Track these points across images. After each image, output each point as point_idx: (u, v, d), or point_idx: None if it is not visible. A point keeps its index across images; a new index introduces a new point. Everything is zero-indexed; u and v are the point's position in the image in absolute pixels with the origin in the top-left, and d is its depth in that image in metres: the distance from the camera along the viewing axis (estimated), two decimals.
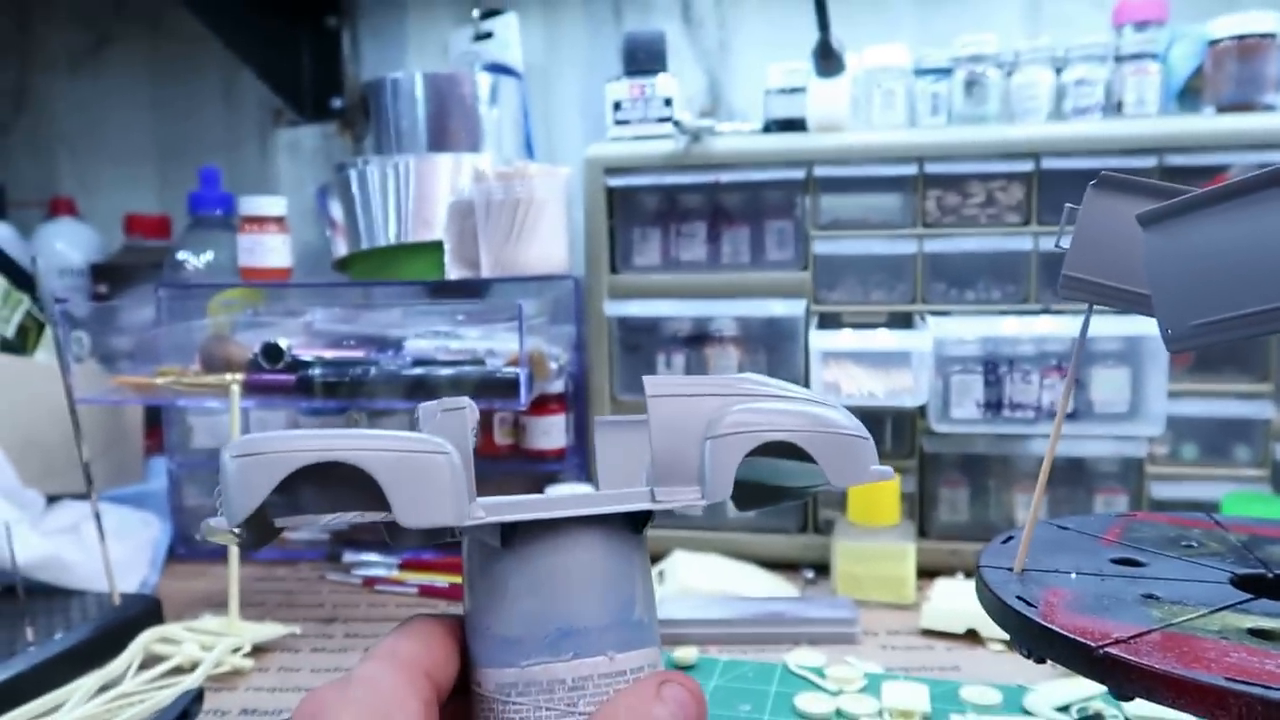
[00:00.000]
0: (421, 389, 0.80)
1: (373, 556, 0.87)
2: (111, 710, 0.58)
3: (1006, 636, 0.66)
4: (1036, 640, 0.37)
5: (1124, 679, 0.33)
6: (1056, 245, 0.43)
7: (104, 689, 0.61)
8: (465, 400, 0.32)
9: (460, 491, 0.29)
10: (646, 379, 0.31)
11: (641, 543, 0.32)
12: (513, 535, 0.30)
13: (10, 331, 0.95)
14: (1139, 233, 0.37)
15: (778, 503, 0.36)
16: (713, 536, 0.87)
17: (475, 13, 1.11)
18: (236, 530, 0.29)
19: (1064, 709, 0.57)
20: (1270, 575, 0.42)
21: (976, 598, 0.43)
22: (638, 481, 0.34)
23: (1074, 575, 0.42)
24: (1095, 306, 0.41)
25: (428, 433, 0.31)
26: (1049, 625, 0.36)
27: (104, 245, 1.25)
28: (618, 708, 0.28)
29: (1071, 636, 0.35)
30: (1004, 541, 0.48)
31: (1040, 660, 0.38)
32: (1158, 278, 0.36)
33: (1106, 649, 0.33)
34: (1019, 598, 0.39)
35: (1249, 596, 0.39)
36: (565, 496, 0.31)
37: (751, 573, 0.82)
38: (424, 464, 0.29)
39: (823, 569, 0.85)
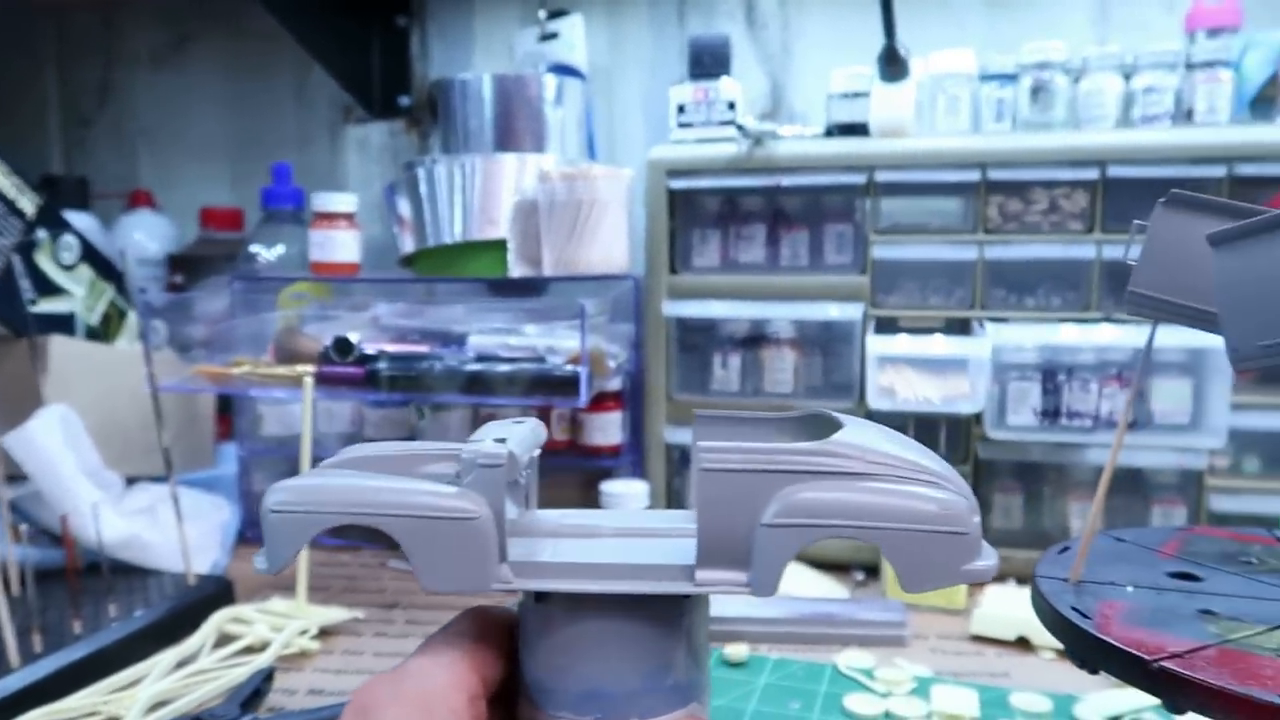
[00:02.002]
0: (483, 385, 0.82)
1: None
2: (189, 685, 0.61)
3: (1057, 644, 0.66)
4: (1091, 651, 0.37)
5: (1179, 693, 0.33)
6: (1124, 259, 0.43)
7: (180, 665, 0.64)
8: (504, 453, 0.29)
9: (486, 556, 0.28)
10: (701, 445, 0.28)
11: (690, 606, 0.30)
12: (545, 594, 0.29)
13: (95, 319, 0.99)
14: (1208, 251, 0.37)
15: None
16: None
17: (541, 13, 1.13)
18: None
19: (1114, 719, 0.57)
20: None
21: (1031, 607, 0.43)
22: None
23: (1130, 588, 0.43)
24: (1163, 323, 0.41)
25: (467, 484, 0.29)
26: (1104, 637, 0.36)
27: (180, 237, 1.30)
28: None
29: (1126, 649, 0.35)
30: (1060, 551, 0.49)
31: (1094, 671, 0.39)
32: (1227, 297, 0.36)
33: (1162, 663, 0.34)
34: (1074, 609, 0.40)
35: None
36: (603, 565, 0.29)
37: (802, 572, 0.83)
38: (447, 530, 0.28)
39: (873, 570, 0.85)
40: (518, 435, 0.32)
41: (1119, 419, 0.78)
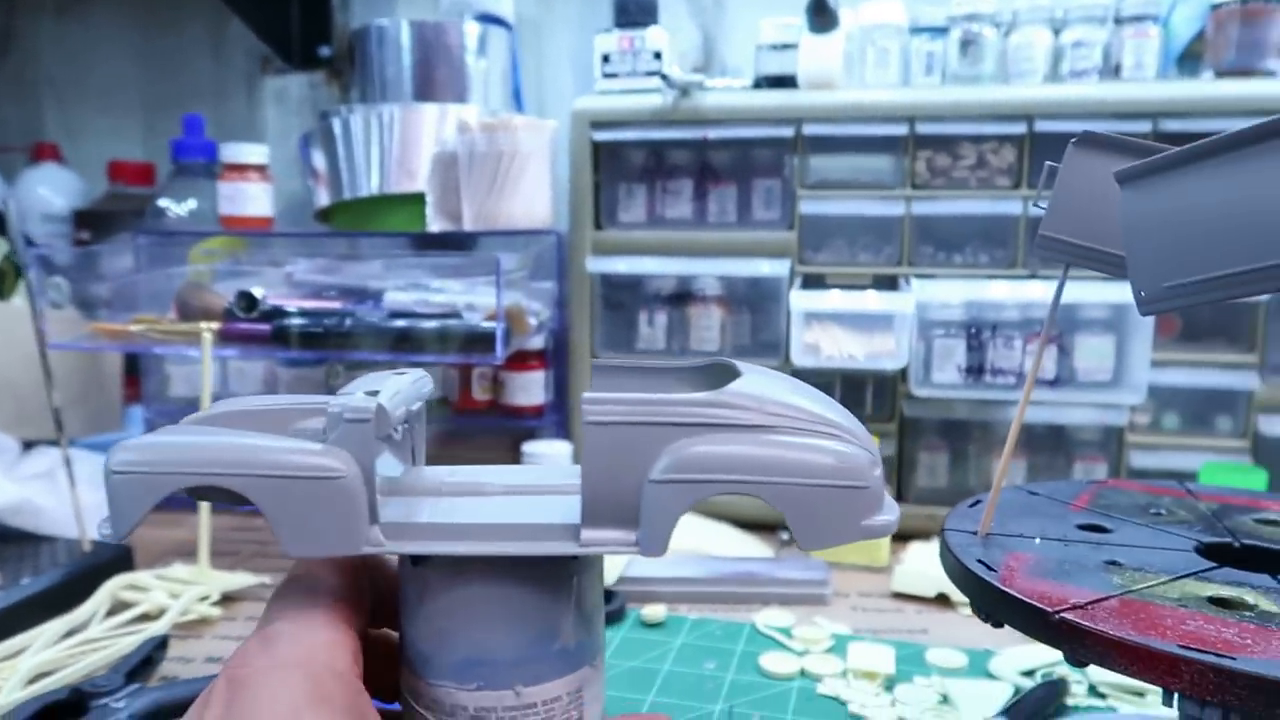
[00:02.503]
0: (402, 341, 0.79)
1: None
2: (76, 655, 0.57)
3: None
4: (995, 604, 0.36)
5: (1079, 645, 0.32)
6: (1035, 204, 0.42)
7: (70, 634, 0.61)
8: (371, 406, 0.27)
9: (354, 517, 0.26)
10: (585, 396, 0.26)
11: (579, 568, 0.28)
12: (422, 557, 0.27)
13: None
14: (1119, 194, 0.36)
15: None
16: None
17: None
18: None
19: (1029, 673, 0.57)
20: (1236, 544, 0.41)
21: (941, 562, 0.42)
22: None
23: (1038, 540, 0.42)
24: (1076, 271, 0.40)
25: (333, 440, 0.27)
26: (1006, 589, 0.35)
27: (88, 192, 1.24)
28: None
29: (1028, 601, 0.34)
30: (971, 505, 0.48)
31: (998, 624, 0.38)
32: (1134, 238, 0.35)
33: (1063, 614, 0.33)
34: (980, 561, 0.39)
35: (1212, 565, 0.39)
36: (482, 525, 0.27)
37: (727, 533, 0.82)
38: (310, 490, 0.26)
39: None
40: (394, 387, 0.29)
41: (1036, 372, 0.78)
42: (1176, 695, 0.30)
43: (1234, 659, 0.29)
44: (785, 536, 0.84)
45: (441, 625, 0.27)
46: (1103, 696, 0.55)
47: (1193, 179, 0.33)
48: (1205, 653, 0.29)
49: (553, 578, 0.27)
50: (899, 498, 0.85)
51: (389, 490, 0.31)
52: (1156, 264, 0.34)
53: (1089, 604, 0.34)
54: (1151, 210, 0.34)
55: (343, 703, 0.25)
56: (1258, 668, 0.28)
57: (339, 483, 0.26)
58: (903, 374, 0.82)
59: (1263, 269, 0.30)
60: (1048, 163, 0.41)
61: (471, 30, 0.96)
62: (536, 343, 0.92)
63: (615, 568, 0.70)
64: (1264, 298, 0.77)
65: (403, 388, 0.30)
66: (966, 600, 0.67)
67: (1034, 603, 0.34)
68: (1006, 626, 0.37)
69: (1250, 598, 0.35)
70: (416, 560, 0.27)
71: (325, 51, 1.21)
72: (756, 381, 0.28)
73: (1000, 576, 0.37)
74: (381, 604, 0.30)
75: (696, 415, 0.26)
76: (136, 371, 1.00)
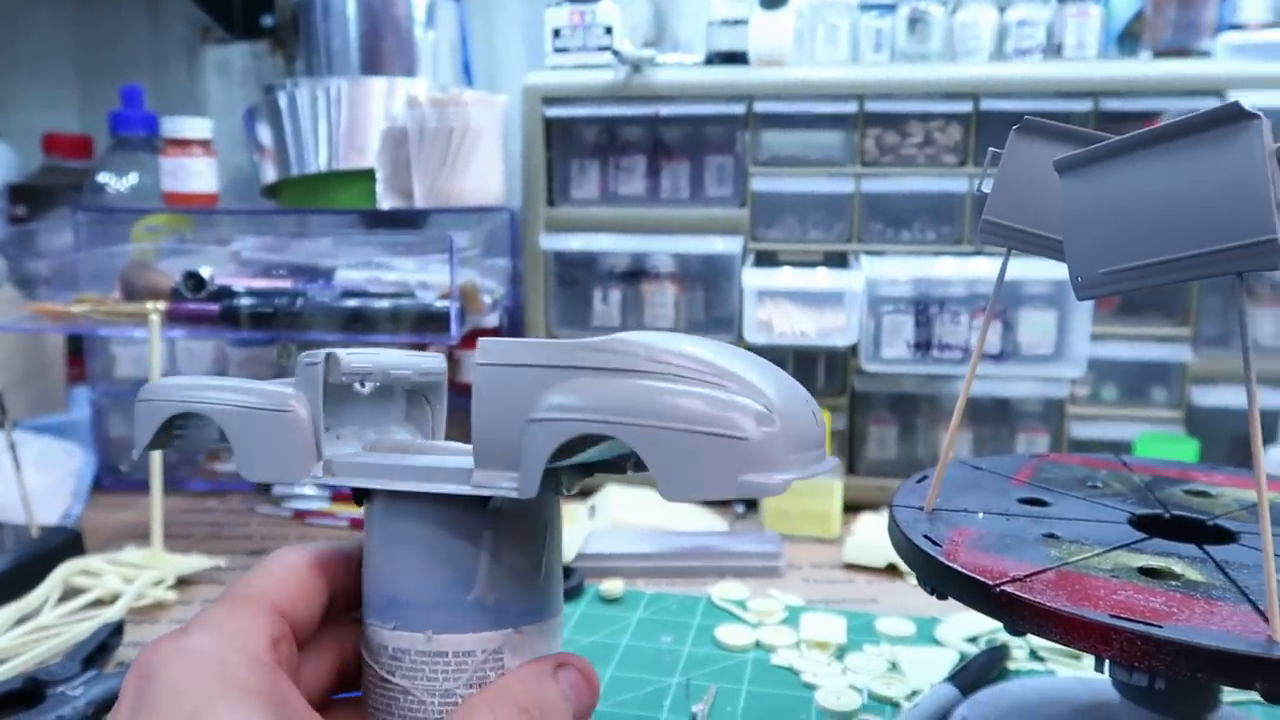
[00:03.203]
0: (353, 321, 0.78)
1: (304, 490, 0.87)
2: (28, 642, 0.57)
3: None
4: (939, 578, 0.38)
5: (1018, 616, 0.34)
6: (977, 190, 0.43)
7: (21, 621, 0.60)
8: (321, 354, 0.31)
9: (301, 449, 0.30)
10: (481, 340, 0.27)
11: (494, 520, 0.28)
12: (364, 495, 0.30)
13: None
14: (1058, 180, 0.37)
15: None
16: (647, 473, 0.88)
17: None
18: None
19: (973, 639, 0.59)
20: (1167, 515, 0.43)
21: (889, 537, 0.44)
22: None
23: (981, 515, 0.44)
24: (1016, 252, 0.42)
25: (294, 383, 0.31)
26: (950, 564, 0.37)
27: (21, 165, 1.20)
28: (509, 686, 0.27)
29: (971, 575, 0.36)
30: (919, 480, 0.49)
31: (942, 597, 0.39)
32: (1072, 224, 0.36)
33: (1003, 587, 0.34)
34: (926, 536, 0.40)
35: (1143, 536, 0.40)
36: (399, 466, 0.28)
37: (683, 508, 0.83)
38: (265, 421, 0.30)
39: (753, 504, 0.86)
40: (390, 354, 0.33)
41: (981, 349, 0.80)
42: (1108, 661, 0.32)
43: (1160, 626, 0.31)
44: (740, 510, 0.86)
45: (373, 563, 0.29)
46: (1042, 660, 0.57)
47: (1129, 168, 0.34)
48: (1134, 622, 0.31)
49: (464, 524, 0.28)
50: (850, 470, 0.86)
51: (387, 448, 0.33)
52: (1094, 250, 0.35)
53: (1027, 576, 0.35)
54: (1089, 198, 0.35)
55: (256, 686, 0.24)
56: (1181, 634, 0.30)
57: (287, 416, 0.30)
58: (853, 350, 0.84)
59: (1195, 256, 0.31)
60: (991, 149, 0.42)
61: (419, 1, 0.95)
62: (491, 321, 0.92)
63: (574, 544, 0.71)
64: None
65: (395, 358, 0.33)
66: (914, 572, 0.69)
67: (976, 576, 0.35)
68: (944, 599, 0.38)
69: (1178, 567, 0.37)
70: (360, 501, 0.30)
71: (268, 21, 1.18)
72: (658, 335, 0.27)
73: (945, 551, 0.38)
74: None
75: (579, 359, 0.26)
76: (80, 352, 0.98)
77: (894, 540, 0.42)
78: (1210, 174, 0.31)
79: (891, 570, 0.72)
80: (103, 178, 1.02)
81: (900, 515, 0.43)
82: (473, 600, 0.28)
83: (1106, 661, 0.32)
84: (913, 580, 0.70)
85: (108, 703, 0.48)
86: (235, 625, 0.26)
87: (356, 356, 0.31)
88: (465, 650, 0.28)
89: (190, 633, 0.26)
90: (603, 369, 0.25)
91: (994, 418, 0.85)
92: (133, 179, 1.02)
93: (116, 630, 0.58)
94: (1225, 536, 0.41)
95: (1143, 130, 0.33)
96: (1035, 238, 0.41)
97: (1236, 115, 0.30)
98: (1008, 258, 0.42)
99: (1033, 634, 0.34)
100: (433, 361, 0.36)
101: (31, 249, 0.95)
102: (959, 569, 0.36)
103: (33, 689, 0.49)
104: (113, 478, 0.92)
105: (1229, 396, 0.80)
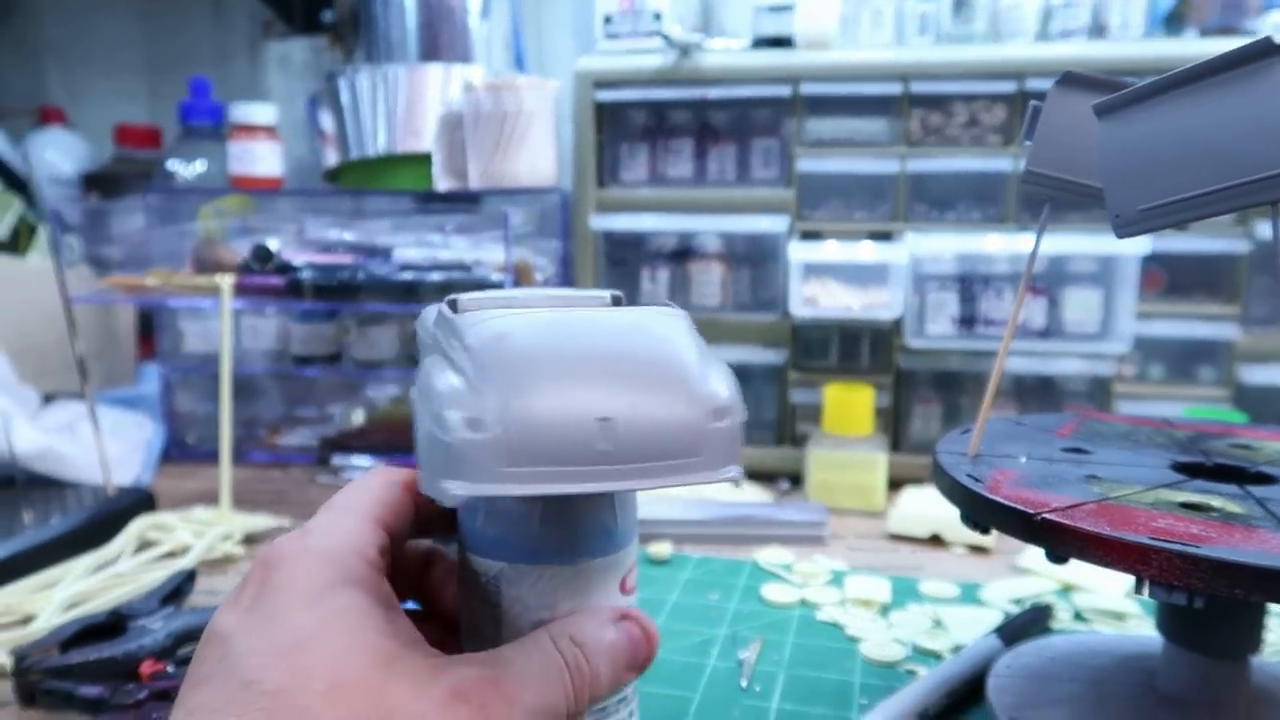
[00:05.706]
0: (410, 294, 0.81)
1: (362, 460, 0.90)
2: (108, 586, 0.60)
3: (969, 540, 0.69)
4: (981, 511, 0.39)
5: (1060, 542, 0.35)
6: (1021, 142, 0.44)
7: (100, 569, 0.63)
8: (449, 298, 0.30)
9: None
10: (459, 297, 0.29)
11: None
12: None
13: (4, 233, 0.95)
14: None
15: None
16: None
17: None
18: None
19: (1017, 601, 0.60)
20: (1209, 464, 0.44)
21: (933, 481, 0.45)
22: None
23: (1024, 459, 0.45)
24: (1066, 225, 0.43)
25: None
26: (993, 497, 0.38)
27: (95, 156, 1.25)
28: (577, 621, 0.29)
29: (1013, 505, 0.37)
30: (962, 433, 0.51)
31: (985, 530, 0.41)
32: (1110, 165, 0.37)
33: (1045, 515, 0.36)
34: (969, 475, 0.41)
35: (1185, 478, 0.41)
36: None
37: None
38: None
39: (798, 480, 0.87)
40: (505, 292, 0.33)
41: (1022, 322, 0.81)
42: (1148, 582, 0.33)
43: (1198, 547, 0.32)
44: (785, 486, 0.87)
45: None
46: (1086, 621, 0.58)
47: (1165, 107, 0.35)
48: (1173, 542, 0.32)
49: None
50: (894, 447, 0.87)
51: None
52: (1132, 189, 0.36)
53: (1068, 507, 0.37)
54: (1127, 139, 0.37)
55: (372, 583, 0.27)
56: (1221, 553, 0.31)
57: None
58: (898, 327, 0.85)
59: (1230, 187, 0.33)
60: (1032, 102, 0.43)
61: None
62: None
63: None
64: (1245, 250, 0.79)
65: (511, 294, 0.32)
66: (960, 539, 0.70)
67: (1018, 507, 0.37)
68: (987, 532, 0.39)
69: (1217, 502, 0.38)
70: None
71: (328, 16, 1.22)
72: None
73: (987, 487, 0.40)
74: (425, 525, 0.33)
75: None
76: (150, 330, 1.02)
77: (938, 482, 0.44)
78: (1244, 108, 0.32)
79: (935, 540, 0.73)
80: (171, 165, 1.06)
81: (944, 459, 0.44)
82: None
83: (1146, 584, 0.33)
84: (958, 550, 0.71)
85: (185, 635, 0.51)
86: (348, 529, 0.28)
87: (480, 297, 0.30)
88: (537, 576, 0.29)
89: (310, 532, 0.28)
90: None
91: (1039, 395, 0.86)
92: (199, 166, 1.07)
93: (189, 578, 0.61)
94: (1267, 480, 0.42)
95: (1177, 70, 0.35)
96: (1077, 186, 0.42)
97: (1269, 50, 0.31)
98: (1046, 213, 0.44)
99: (1074, 558, 0.35)
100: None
101: (104, 231, 1.00)
102: (1002, 501, 0.38)
103: (116, 622, 0.51)
104: (180, 449, 0.96)
105: (1279, 375, 0.80)
